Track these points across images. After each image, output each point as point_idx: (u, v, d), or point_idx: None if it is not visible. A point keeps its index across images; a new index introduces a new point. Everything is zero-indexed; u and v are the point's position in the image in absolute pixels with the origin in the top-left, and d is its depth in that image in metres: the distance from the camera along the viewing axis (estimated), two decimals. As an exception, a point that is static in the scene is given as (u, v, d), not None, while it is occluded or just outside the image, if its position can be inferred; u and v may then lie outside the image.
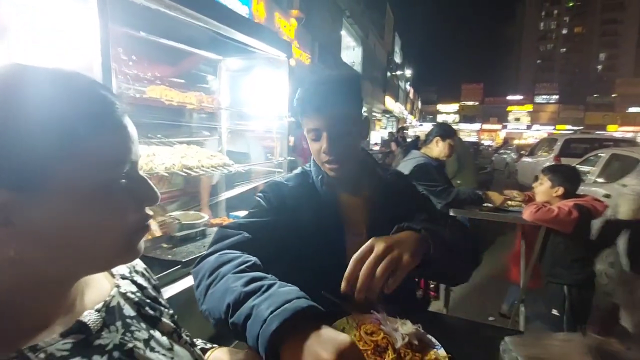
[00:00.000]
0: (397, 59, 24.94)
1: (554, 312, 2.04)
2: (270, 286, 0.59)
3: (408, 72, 29.73)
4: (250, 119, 2.31)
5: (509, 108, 56.59)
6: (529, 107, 55.89)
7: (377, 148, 10.99)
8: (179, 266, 1.01)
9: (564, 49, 65.26)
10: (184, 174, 1.19)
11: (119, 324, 0.49)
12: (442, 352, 0.74)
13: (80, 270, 0.45)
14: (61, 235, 0.39)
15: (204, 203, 2.47)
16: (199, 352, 0.62)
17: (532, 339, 0.75)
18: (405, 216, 0.97)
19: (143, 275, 0.63)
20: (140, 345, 0.50)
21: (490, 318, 2.89)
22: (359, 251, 0.68)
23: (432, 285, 2.85)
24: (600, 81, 57.34)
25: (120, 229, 0.43)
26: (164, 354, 0.52)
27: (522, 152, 11.71)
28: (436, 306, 2.82)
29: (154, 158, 1.16)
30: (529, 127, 52.09)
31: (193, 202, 2.45)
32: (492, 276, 3.66)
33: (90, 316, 0.46)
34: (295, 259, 0.94)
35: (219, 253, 0.74)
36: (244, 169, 1.72)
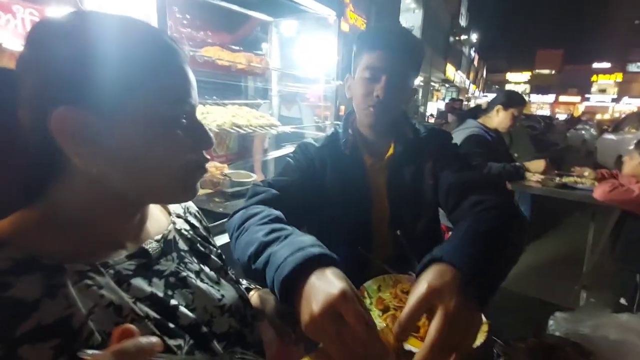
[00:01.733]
0: (463, 21, 22.70)
1: (622, 301, 1.88)
2: (287, 236, 0.59)
3: (474, 37, 27.05)
4: (299, 82, 2.32)
5: (593, 77, 49.09)
6: (619, 77, 47.98)
7: (432, 121, 10.38)
8: (228, 219, 1.10)
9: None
10: (233, 131, 1.26)
11: (174, 254, 0.55)
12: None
13: (145, 196, 0.50)
14: (131, 159, 0.44)
15: (256, 165, 2.67)
16: (242, 288, 0.67)
17: (586, 316, 0.70)
18: (425, 179, 0.95)
19: (195, 216, 0.69)
20: (192, 275, 0.55)
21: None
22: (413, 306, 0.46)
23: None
24: None
25: (179, 163, 0.47)
26: (212, 286, 0.57)
27: (606, 127, 10.29)
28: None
29: (208, 116, 1.23)
30: (616, 100, 45.00)
31: (247, 164, 2.62)
32: (556, 259, 3.42)
33: (151, 244, 0.52)
34: (323, 217, 0.96)
35: (247, 208, 0.77)
36: (290, 130, 1.75)
